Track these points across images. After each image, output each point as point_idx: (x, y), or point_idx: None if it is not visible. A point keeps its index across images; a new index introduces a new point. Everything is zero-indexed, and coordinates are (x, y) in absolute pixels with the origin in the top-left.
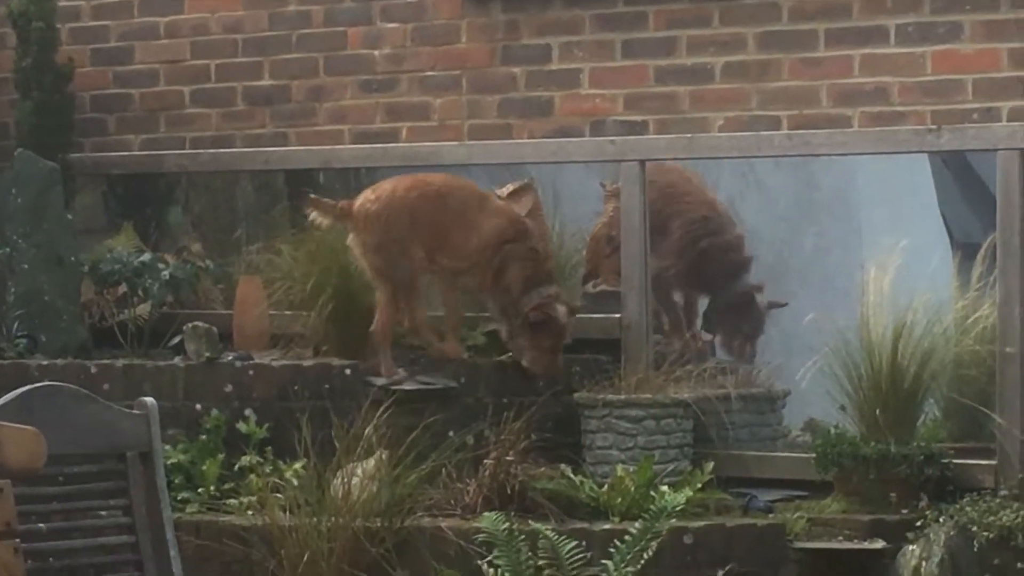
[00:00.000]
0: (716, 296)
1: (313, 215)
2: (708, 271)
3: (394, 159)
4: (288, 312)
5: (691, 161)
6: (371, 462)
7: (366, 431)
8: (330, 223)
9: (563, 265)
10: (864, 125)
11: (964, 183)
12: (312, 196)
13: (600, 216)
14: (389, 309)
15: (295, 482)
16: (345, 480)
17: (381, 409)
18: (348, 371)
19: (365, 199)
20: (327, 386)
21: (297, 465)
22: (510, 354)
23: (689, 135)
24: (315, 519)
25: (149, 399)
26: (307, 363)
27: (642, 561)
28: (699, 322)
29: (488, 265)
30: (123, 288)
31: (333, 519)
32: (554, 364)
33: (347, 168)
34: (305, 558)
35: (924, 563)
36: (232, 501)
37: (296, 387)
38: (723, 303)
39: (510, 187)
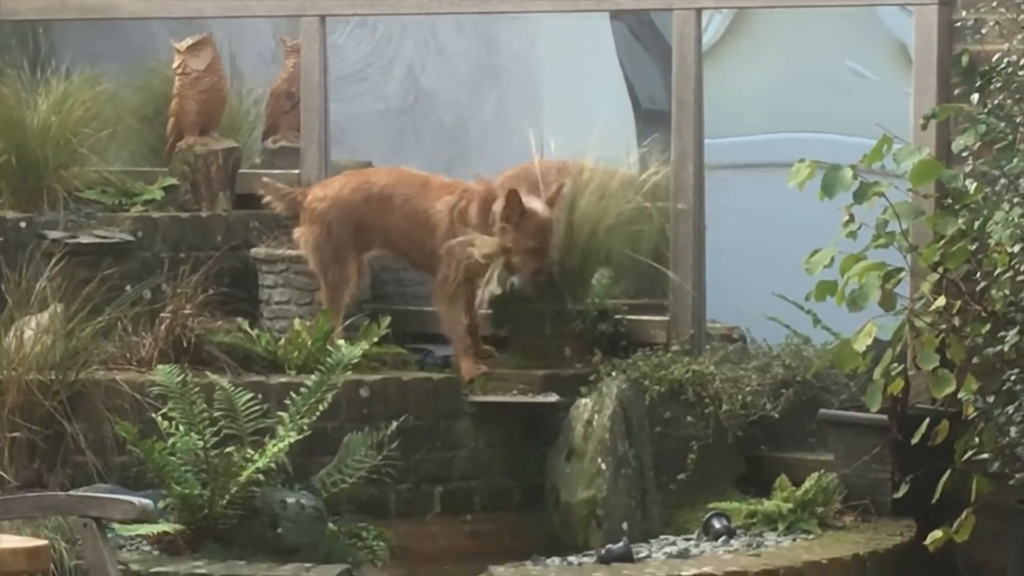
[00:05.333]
0: None
1: (267, 199)
2: None
3: (71, 11)
4: None
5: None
6: (45, 315)
7: (39, 284)
8: (281, 209)
9: (241, 121)
10: None
11: (653, 50)
12: (266, 180)
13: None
14: (329, 305)
15: None
16: (18, 333)
17: (55, 262)
18: (23, 224)
19: (315, 196)
20: (0, 239)
21: None
22: None
23: None
24: None
25: None
26: None
27: (317, 413)
28: None
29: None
30: None
31: (5, 372)
32: (541, 265)
33: (24, 20)
34: None
35: (596, 416)
36: None
37: None
38: None
39: (188, 41)
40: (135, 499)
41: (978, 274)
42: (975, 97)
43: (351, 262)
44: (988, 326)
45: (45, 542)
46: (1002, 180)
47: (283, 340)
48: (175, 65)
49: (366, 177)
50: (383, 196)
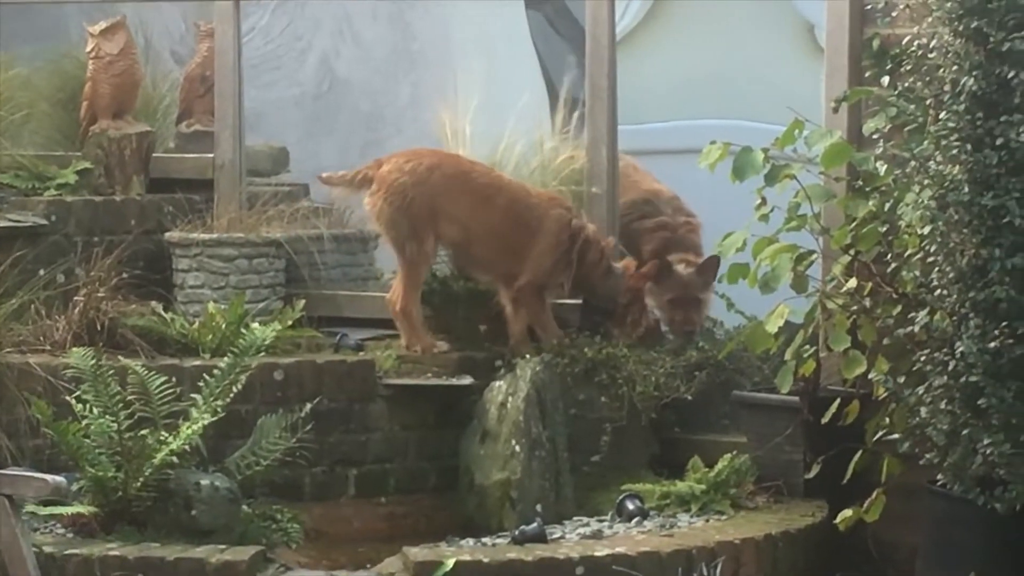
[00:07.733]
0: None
1: (336, 191)
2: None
3: None
4: None
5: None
6: None
7: None
8: (350, 192)
9: (156, 105)
10: None
11: (568, 36)
12: (323, 176)
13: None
14: (406, 282)
15: None
16: None
17: None
18: None
19: (395, 167)
20: None
21: None
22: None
23: None
24: None
25: None
26: None
27: (231, 395)
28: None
29: (567, 264)
30: None
31: None
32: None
33: None
34: None
35: (510, 398)
36: None
37: None
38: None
39: (102, 24)
40: (48, 477)
41: (889, 256)
42: (885, 80)
43: (429, 241)
44: (899, 307)
45: None
46: (912, 162)
47: (197, 324)
48: (88, 48)
49: (460, 164)
50: (485, 195)
